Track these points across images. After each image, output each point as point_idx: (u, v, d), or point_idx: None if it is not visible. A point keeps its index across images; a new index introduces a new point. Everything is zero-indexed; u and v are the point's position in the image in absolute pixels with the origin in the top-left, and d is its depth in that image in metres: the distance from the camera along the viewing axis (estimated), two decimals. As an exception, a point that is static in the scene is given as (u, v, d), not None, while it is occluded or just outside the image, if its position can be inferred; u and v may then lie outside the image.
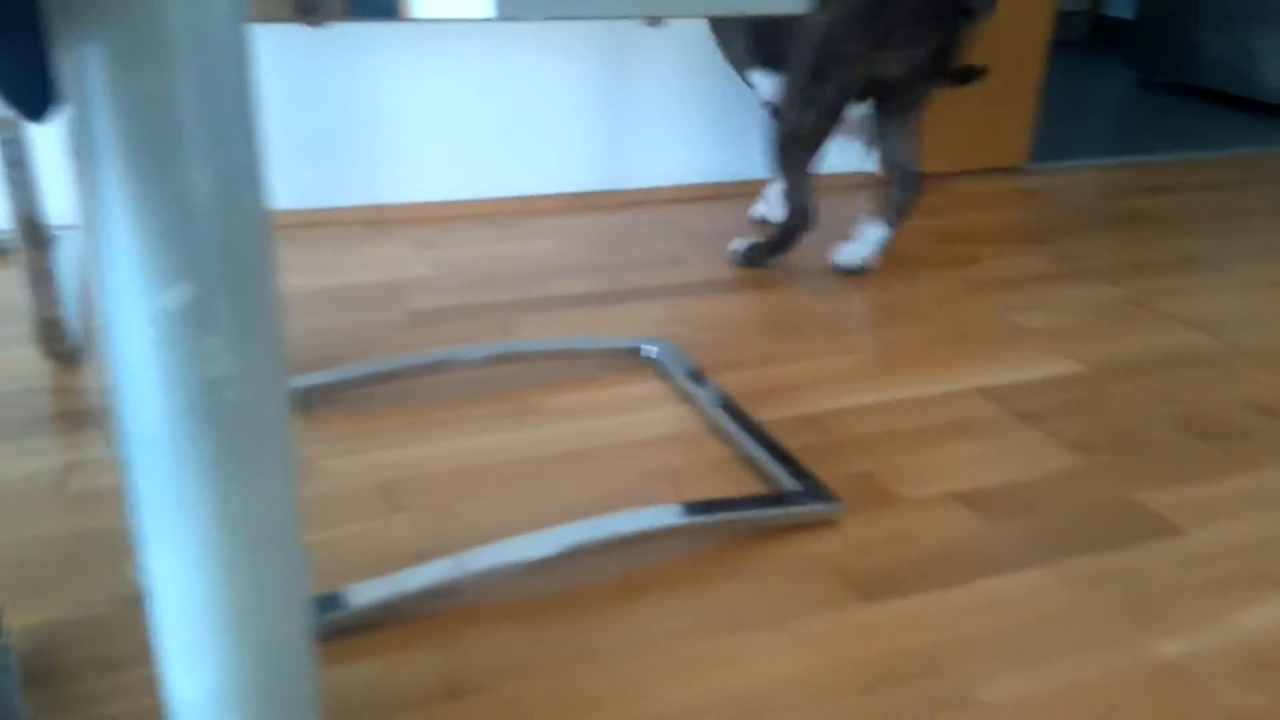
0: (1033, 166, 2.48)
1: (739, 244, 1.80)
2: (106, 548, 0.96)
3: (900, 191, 1.76)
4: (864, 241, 1.78)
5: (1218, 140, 2.89)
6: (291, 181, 1.92)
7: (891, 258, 1.86)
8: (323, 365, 1.33)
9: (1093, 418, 1.29)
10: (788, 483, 1.08)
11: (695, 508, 1.02)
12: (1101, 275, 1.81)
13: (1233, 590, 0.96)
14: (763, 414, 1.26)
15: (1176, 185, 2.43)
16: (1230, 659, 0.87)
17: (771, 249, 1.77)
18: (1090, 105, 3.39)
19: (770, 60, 1.77)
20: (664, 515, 1.00)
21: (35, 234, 1.25)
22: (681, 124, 2.17)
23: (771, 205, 2.04)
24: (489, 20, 1.40)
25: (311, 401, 1.25)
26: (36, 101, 0.47)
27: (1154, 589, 0.96)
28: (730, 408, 1.25)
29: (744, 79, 1.92)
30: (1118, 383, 1.40)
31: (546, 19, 0.88)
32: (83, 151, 0.44)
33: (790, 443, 1.19)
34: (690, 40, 2.11)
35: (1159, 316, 1.63)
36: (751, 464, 1.14)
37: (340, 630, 0.86)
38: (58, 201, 1.65)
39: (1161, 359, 1.48)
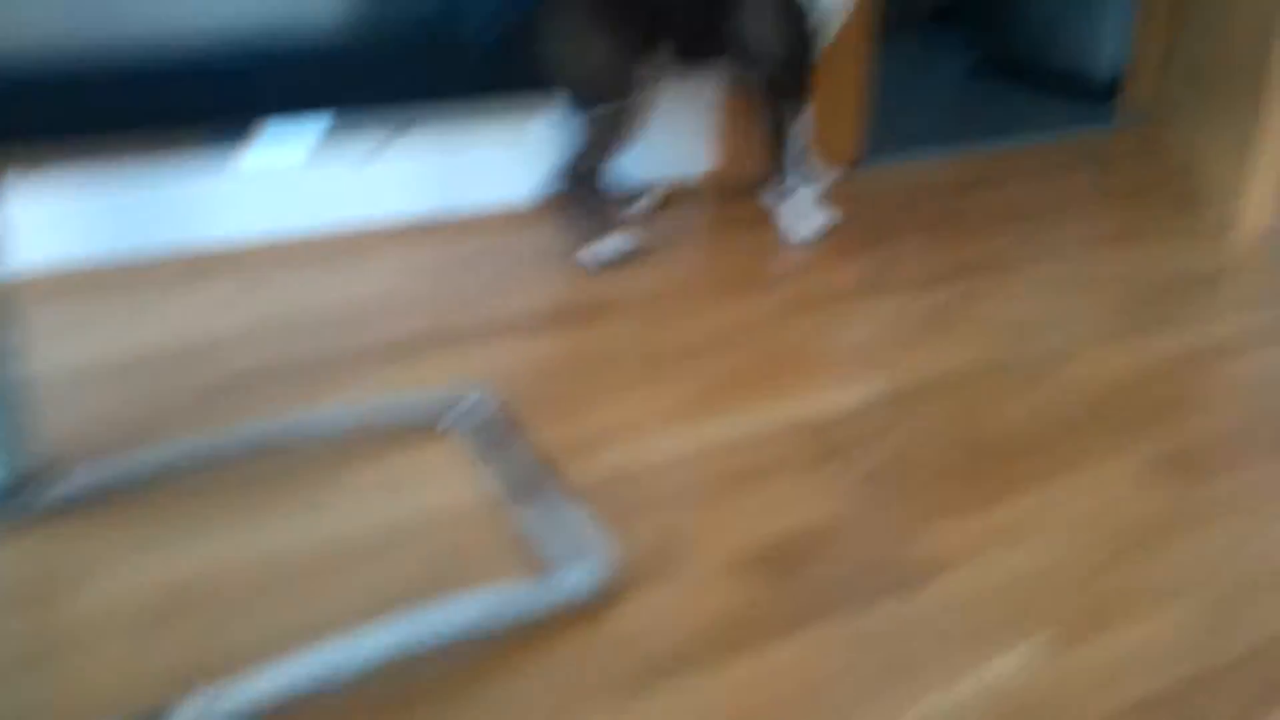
0: (866, 165, 2.54)
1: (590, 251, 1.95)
2: None
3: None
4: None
5: (1047, 123, 2.99)
6: (89, 228, 1.86)
7: (712, 279, 1.90)
8: (107, 451, 1.30)
9: (887, 448, 1.35)
10: (581, 556, 1.11)
11: (469, 607, 1.03)
12: (917, 283, 1.87)
13: (986, 637, 1.02)
14: (573, 470, 1.28)
15: (1001, 176, 2.51)
16: (977, 714, 0.92)
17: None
18: (928, 91, 3.47)
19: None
20: (437, 621, 1.01)
21: None
22: (524, 137, 2.16)
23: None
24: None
25: (79, 500, 1.22)
26: None
27: (915, 643, 1.01)
28: (535, 473, 1.27)
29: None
30: (918, 405, 1.46)
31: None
32: None
33: (595, 503, 1.21)
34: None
35: (965, 325, 1.70)
36: (550, 534, 1.16)
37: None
38: None
39: (962, 374, 1.54)
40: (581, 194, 1.96)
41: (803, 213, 2.06)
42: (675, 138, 2.34)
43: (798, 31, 1.95)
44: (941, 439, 1.37)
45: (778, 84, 1.98)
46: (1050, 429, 1.40)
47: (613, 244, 1.95)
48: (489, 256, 1.99)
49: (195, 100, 0.97)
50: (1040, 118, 3.04)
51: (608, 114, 1.85)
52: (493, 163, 2.16)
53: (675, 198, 2.33)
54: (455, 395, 1.43)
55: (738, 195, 2.34)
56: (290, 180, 1.98)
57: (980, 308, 1.77)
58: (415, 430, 1.38)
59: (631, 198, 2.26)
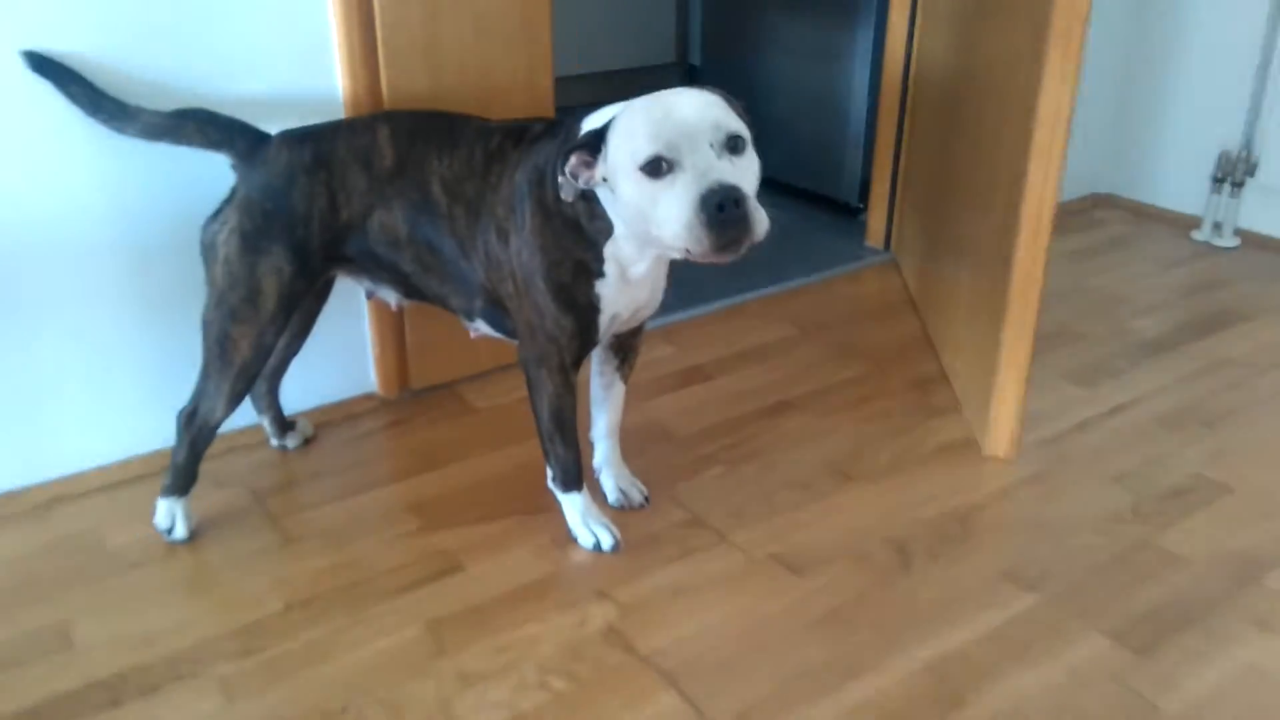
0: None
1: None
2: None
3: None
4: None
5: (781, 268, 2.69)
6: None
7: (345, 586, 1.51)
8: None
9: None
10: None
11: None
12: (594, 579, 1.53)
13: None
14: None
15: (717, 362, 2.19)
16: None
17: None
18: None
19: None
20: None
21: None
22: (111, 385, 1.72)
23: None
24: None
25: None
26: None
27: None
28: None
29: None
30: None
31: None
32: None
33: None
34: (104, 273, 1.66)
35: (636, 665, 1.36)
36: None
37: None
38: None
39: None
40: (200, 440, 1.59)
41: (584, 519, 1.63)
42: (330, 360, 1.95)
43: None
44: None
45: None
46: None
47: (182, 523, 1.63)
48: (66, 557, 1.57)
49: None
50: (778, 259, 2.71)
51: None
52: (81, 413, 1.72)
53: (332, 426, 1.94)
54: None
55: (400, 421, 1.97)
56: None
57: (655, 628, 1.43)
58: None
59: (283, 428, 1.87)
